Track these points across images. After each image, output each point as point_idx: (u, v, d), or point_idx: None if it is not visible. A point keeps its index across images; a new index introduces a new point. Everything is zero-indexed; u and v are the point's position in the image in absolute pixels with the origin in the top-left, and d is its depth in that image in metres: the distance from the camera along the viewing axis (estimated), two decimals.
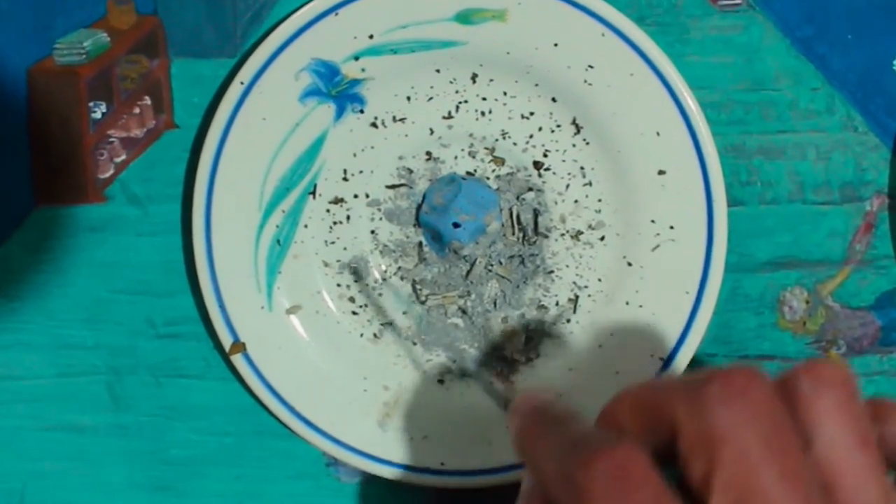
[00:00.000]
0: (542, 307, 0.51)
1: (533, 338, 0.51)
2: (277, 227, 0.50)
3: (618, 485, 0.29)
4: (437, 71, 0.49)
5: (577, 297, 0.50)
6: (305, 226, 0.50)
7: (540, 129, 0.50)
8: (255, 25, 0.50)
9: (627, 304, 0.50)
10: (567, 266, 0.50)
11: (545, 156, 0.50)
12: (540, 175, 0.50)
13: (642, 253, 0.49)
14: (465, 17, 0.48)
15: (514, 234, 0.50)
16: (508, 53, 0.48)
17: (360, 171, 0.50)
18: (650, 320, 0.49)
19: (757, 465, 0.28)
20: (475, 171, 0.50)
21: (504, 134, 0.50)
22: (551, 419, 0.33)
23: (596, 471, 0.29)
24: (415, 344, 0.51)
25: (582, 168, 0.50)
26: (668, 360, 0.49)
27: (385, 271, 0.51)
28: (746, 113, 0.50)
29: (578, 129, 0.49)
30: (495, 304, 0.51)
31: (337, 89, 0.49)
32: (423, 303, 0.51)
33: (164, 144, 0.51)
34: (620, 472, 0.29)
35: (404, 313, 0.51)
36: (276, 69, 0.48)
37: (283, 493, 0.52)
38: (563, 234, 0.50)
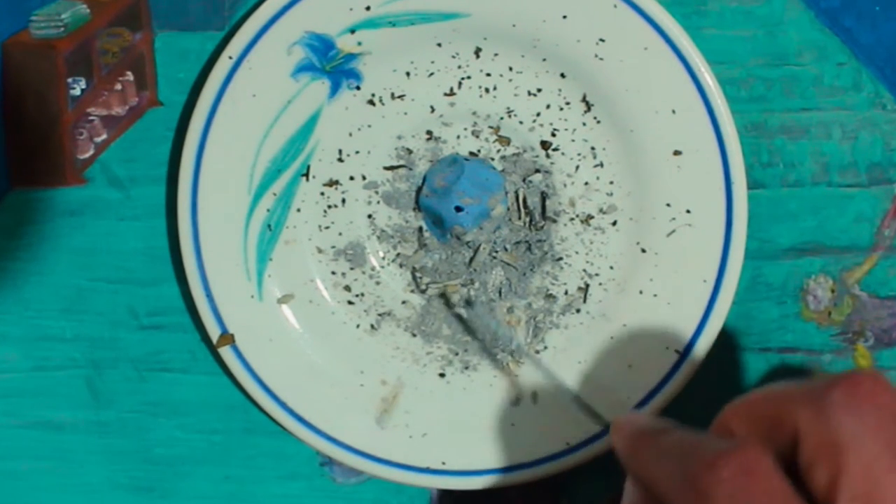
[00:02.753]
0: (549, 296, 0.50)
1: (540, 329, 0.50)
2: (268, 211, 0.49)
3: (744, 486, 0.30)
4: (439, 45, 0.48)
5: (587, 285, 0.50)
6: (298, 210, 0.50)
7: (548, 106, 0.49)
8: None
9: (641, 293, 0.49)
10: (577, 253, 0.50)
11: (553, 135, 0.49)
12: (548, 155, 0.49)
13: (657, 239, 0.49)
14: None
15: (520, 218, 0.50)
16: (514, 26, 0.48)
17: (357, 152, 0.50)
18: (665, 310, 0.49)
19: (884, 474, 0.30)
20: (479, 151, 0.50)
21: (510, 112, 0.49)
22: (661, 430, 0.35)
23: (721, 472, 0.30)
24: (414, 335, 0.50)
25: (593, 148, 0.49)
26: (684, 353, 0.49)
27: (383, 258, 0.50)
28: (768, 89, 0.49)
29: (589, 107, 0.49)
30: (500, 292, 0.50)
31: (331, 64, 0.48)
32: (423, 291, 0.50)
33: (148, 123, 0.50)
34: (746, 473, 0.30)
35: (403, 303, 0.50)
36: (266, 43, 0.48)
37: (274, 495, 0.52)
38: (572, 219, 0.50)
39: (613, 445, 0.36)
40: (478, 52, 0.48)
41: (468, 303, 0.48)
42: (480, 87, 0.49)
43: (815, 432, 0.31)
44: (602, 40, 0.47)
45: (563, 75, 0.48)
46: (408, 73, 0.49)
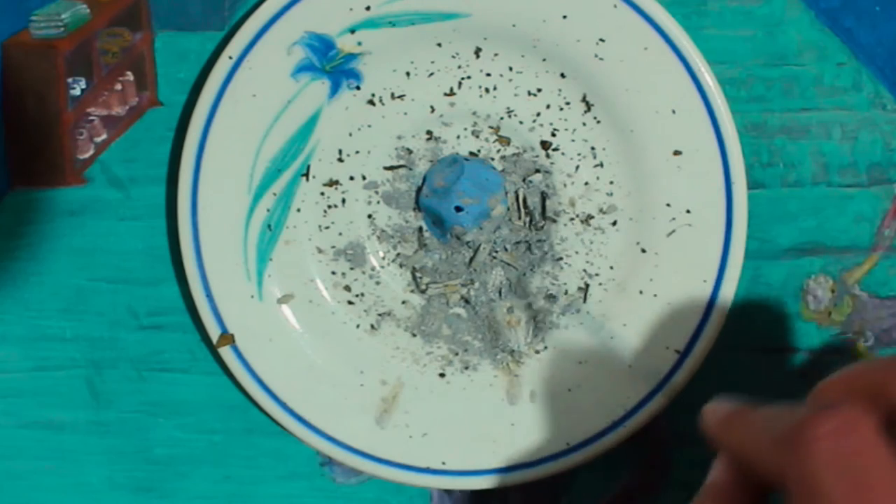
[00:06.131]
0: (550, 296, 0.50)
1: (540, 329, 0.50)
2: (268, 211, 0.49)
3: (844, 443, 0.29)
4: (439, 45, 0.48)
5: (587, 285, 0.50)
6: (298, 210, 0.50)
7: (548, 106, 0.49)
8: None
9: (641, 293, 0.49)
10: (577, 253, 0.50)
11: (553, 135, 0.49)
12: (548, 156, 0.49)
13: (657, 239, 0.49)
14: None
15: (520, 218, 0.49)
16: (514, 26, 0.47)
17: (357, 152, 0.49)
18: (665, 310, 0.49)
19: None
20: (479, 151, 0.49)
21: (510, 112, 0.49)
22: (754, 405, 0.34)
23: (818, 429, 0.29)
24: (414, 335, 0.50)
25: (593, 148, 0.49)
26: (684, 353, 0.48)
27: (383, 258, 0.50)
28: (768, 89, 0.49)
29: (589, 107, 0.49)
30: (500, 293, 0.50)
31: (331, 64, 0.48)
32: (423, 291, 0.50)
33: (148, 123, 0.50)
34: (846, 432, 0.29)
35: (403, 303, 0.50)
36: (266, 43, 0.48)
37: (274, 495, 0.52)
38: (572, 219, 0.49)
39: (704, 426, 0.35)
40: (478, 52, 0.48)
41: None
42: (480, 87, 0.48)
43: None
44: (602, 40, 0.47)
45: (563, 75, 0.48)
46: (408, 73, 0.48)
